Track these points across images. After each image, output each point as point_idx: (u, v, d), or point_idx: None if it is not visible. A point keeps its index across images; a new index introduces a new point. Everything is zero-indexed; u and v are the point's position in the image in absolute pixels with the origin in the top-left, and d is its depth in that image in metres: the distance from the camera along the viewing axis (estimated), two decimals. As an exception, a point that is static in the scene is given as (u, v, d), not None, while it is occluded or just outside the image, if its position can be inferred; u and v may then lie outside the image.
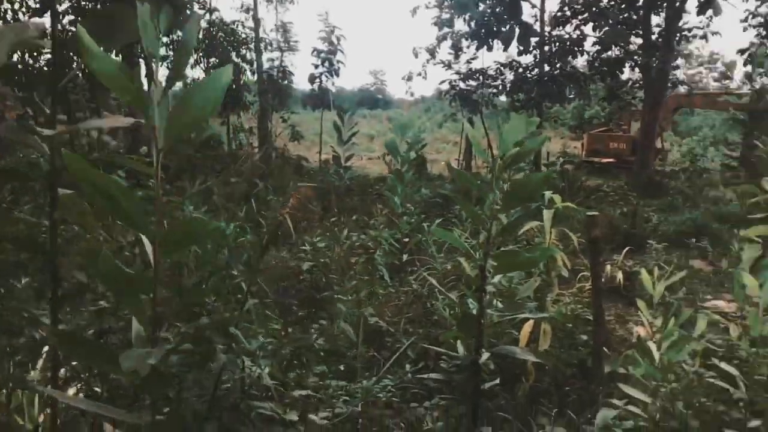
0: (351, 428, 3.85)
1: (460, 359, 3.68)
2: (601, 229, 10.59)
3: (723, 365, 4.35)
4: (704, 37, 18.88)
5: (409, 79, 21.88)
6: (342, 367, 4.57)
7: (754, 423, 4.23)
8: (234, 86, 19.60)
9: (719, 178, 17.15)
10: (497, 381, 3.85)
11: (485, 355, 3.69)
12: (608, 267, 7.91)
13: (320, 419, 3.64)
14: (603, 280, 8.01)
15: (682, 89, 21.41)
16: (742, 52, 18.21)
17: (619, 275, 7.67)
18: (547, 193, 4.68)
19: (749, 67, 19.60)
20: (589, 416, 4.21)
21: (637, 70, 19.86)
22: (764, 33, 17.97)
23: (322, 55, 19.07)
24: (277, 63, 21.60)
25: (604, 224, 10.12)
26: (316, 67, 19.36)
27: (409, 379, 4.43)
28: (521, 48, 18.73)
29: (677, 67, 22.39)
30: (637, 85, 19.58)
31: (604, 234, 4.77)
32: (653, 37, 18.93)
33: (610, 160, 24.04)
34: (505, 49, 18.26)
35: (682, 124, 35.26)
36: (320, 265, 6.62)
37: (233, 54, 20.37)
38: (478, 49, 19.32)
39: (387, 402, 4.14)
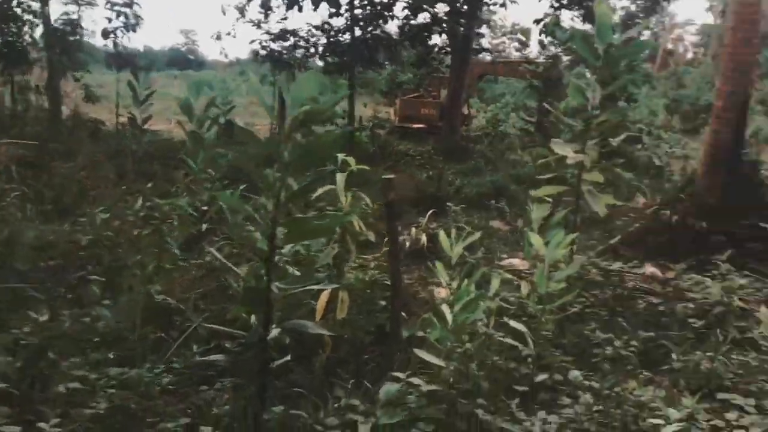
0: (123, 420, 3.42)
1: (246, 337, 3.38)
2: (398, 192, 10.78)
3: (512, 323, 4.46)
4: (503, 5, 19.80)
5: (218, 38, 20.97)
6: (121, 353, 4.08)
7: (541, 377, 4.40)
8: (14, 40, 17.40)
9: (518, 143, 18.25)
10: (288, 357, 3.60)
11: (275, 331, 3.42)
12: (413, 230, 7.99)
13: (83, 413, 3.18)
14: (408, 243, 8.10)
15: (487, 57, 22.43)
16: (537, 21, 19.32)
17: (423, 237, 7.77)
18: (341, 156, 4.48)
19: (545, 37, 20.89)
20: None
21: (444, 36, 20.44)
22: (557, 4, 19.18)
23: (117, 8, 17.46)
24: (75, 17, 19.48)
25: (410, 188, 10.29)
26: (110, 21, 17.71)
27: (197, 362, 4.05)
28: (332, 10, 18.48)
29: (482, 36, 23.42)
30: (444, 51, 20.17)
31: (400, 197, 4.73)
32: (459, 4, 19.52)
33: (422, 125, 24.73)
34: (315, 9, 17.88)
35: (487, 92, 37.19)
36: (103, 238, 5.96)
37: (14, 3, 18.02)
38: (288, 8, 18.77)
39: (167, 388, 3.75)
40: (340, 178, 4.35)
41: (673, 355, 4.50)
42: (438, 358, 3.91)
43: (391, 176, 4.39)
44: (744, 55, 7.58)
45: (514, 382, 4.39)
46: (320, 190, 4.45)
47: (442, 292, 5.74)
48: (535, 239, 4.71)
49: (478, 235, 5.54)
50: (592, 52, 4.85)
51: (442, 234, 5.28)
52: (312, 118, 3.16)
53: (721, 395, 4.33)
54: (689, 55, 53.35)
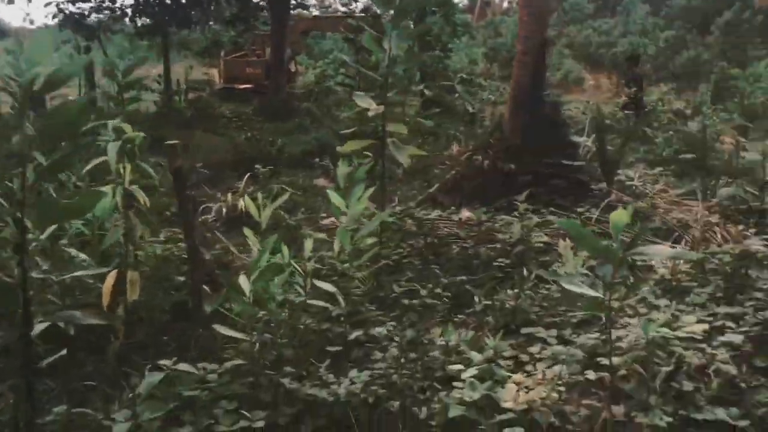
0: None
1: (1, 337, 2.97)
2: (216, 155, 10.38)
3: (319, 283, 4.35)
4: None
5: (10, 2, 18.72)
6: None
7: (355, 334, 4.35)
8: None
9: (343, 98, 18.19)
10: (64, 352, 3.23)
11: (38, 327, 3.03)
12: (229, 195, 7.65)
13: None
14: (225, 209, 7.77)
15: (315, 12, 21.93)
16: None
17: (241, 203, 7.46)
18: (112, 122, 4.04)
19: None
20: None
21: (262, -8, 19.73)
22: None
23: None
24: None
25: (227, 151, 9.85)
26: None
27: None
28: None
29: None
30: (261, 8, 19.49)
31: (187, 164, 4.43)
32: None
33: (248, 85, 23.95)
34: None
35: (316, 48, 36.72)
36: None
37: None
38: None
39: None
40: (112, 148, 3.93)
41: (476, 298, 4.61)
42: (241, 331, 3.71)
43: (175, 142, 4.04)
44: (538, 1, 7.88)
45: (328, 342, 4.31)
46: (92, 164, 4.01)
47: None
48: (333, 196, 4.59)
49: (286, 195, 5.36)
50: (388, 2, 4.74)
51: (247, 199, 5.04)
52: (51, 86, 2.75)
53: (525, 330, 4.50)
54: (505, 5, 55.98)
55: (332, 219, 8.11)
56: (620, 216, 2.91)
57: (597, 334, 4.11)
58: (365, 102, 5.07)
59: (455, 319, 4.72)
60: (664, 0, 42.04)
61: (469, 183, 8.18)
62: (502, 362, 4.07)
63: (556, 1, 37.27)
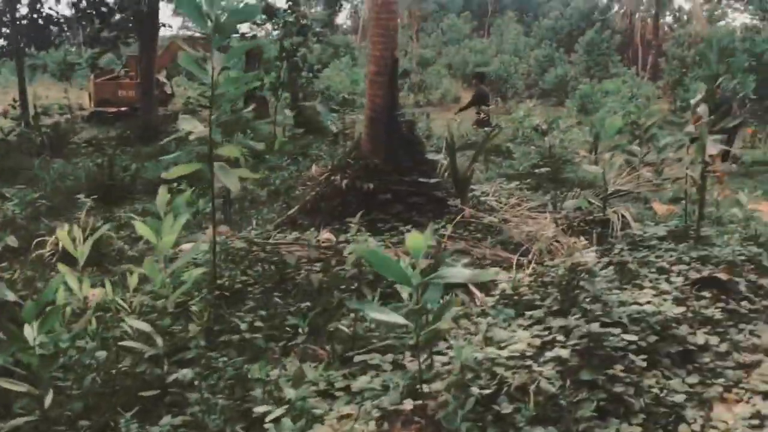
0: None
1: None
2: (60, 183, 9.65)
3: (132, 322, 4.01)
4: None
5: None
6: None
7: (174, 376, 4.04)
8: None
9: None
10: None
11: None
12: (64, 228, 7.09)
13: None
14: (60, 243, 7.18)
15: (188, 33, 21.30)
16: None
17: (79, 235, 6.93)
18: None
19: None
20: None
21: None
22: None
23: None
24: None
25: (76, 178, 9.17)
26: None
27: None
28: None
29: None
30: (121, 28, 18.72)
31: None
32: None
33: (123, 108, 22.97)
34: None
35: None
36: None
37: None
38: None
39: None
40: None
41: (300, 330, 4.41)
42: (27, 384, 3.32)
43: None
44: (386, 20, 7.87)
45: (145, 387, 3.97)
46: None
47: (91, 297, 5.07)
48: (141, 227, 4.27)
49: (105, 228, 4.99)
50: (201, 18, 4.49)
51: (60, 233, 4.63)
52: None
53: (359, 357, 4.34)
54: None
55: (188, 246, 7.72)
56: (417, 240, 2.81)
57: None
58: (190, 124, 4.79)
59: (295, 350, 4.51)
60: (534, 20, 44.21)
61: (329, 203, 8.03)
62: (336, 393, 3.91)
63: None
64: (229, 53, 4.76)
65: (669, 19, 45.75)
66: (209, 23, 4.56)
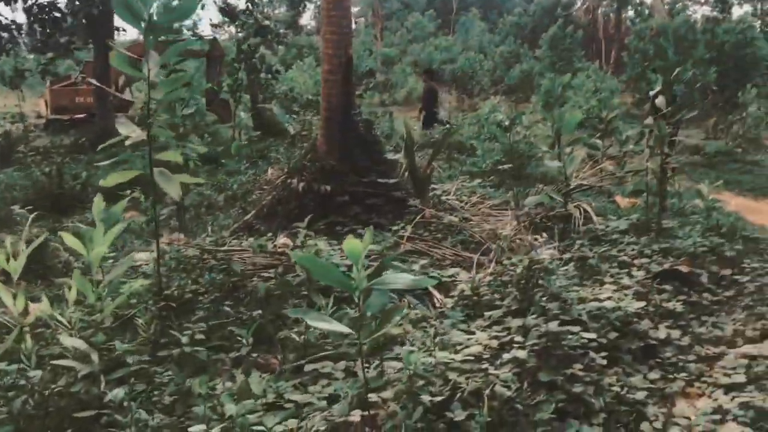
0: None
1: None
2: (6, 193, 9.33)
3: (64, 339, 3.78)
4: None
5: None
6: None
7: (112, 394, 3.81)
8: None
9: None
10: None
11: None
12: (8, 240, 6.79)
13: None
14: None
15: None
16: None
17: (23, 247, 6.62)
18: None
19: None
20: None
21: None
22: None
23: None
24: None
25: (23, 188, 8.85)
26: None
27: None
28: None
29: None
30: (69, 32, 18.19)
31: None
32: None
33: (81, 115, 22.46)
34: None
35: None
36: None
37: None
38: None
39: None
40: None
41: (244, 340, 4.20)
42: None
43: None
44: (338, 17, 7.69)
45: (82, 407, 3.74)
46: None
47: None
48: (67, 237, 4.03)
49: (42, 238, 4.73)
50: (136, 18, 4.26)
51: None
52: None
53: (310, 366, 4.16)
54: (353, 26, 56.86)
55: (141, 255, 7.43)
56: (354, 245, 2.63)
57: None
58: (128, 129, 4.55)
59: (250, 360, 4.31)
60: (499, 17, 44.37)
61: (285, 207, 7.82)
62: (286, 405, 3.72)
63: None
64: (166, 53, 4.54)
65: (631, 13, 46.27)
66: (142, 23, 4.33)
